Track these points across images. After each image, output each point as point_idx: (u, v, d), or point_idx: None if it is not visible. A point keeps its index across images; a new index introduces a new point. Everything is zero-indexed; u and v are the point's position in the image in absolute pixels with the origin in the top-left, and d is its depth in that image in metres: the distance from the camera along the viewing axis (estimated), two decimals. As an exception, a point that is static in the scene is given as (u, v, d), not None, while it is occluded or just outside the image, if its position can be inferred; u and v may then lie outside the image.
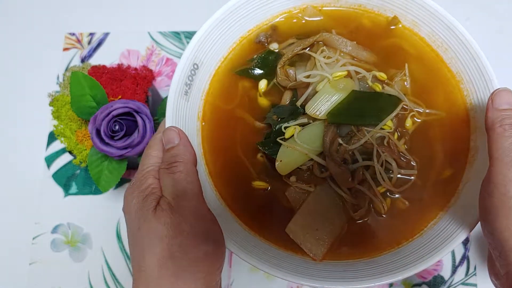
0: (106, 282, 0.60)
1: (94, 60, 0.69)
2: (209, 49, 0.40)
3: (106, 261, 0.61)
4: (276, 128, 0.38)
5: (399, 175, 0.37)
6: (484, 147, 0.36)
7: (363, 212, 0.37)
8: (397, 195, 0.38)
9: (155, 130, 0.48)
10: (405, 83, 0.40)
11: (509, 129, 0.32)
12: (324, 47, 0.40)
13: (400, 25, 0.42)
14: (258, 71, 0.41)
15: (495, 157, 0.32)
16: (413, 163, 0.38)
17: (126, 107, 0.49)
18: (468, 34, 0.38)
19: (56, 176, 0.65)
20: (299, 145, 0.37)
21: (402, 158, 0.37)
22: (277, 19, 0.43)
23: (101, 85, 0.53)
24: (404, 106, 0.39)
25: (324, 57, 0.39)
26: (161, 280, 0.32)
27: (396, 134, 0.38)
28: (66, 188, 0.64)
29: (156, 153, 0.36)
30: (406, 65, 0.40)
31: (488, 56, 0.60)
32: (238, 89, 0.42)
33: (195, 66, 0.39)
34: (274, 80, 0.41)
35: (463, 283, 0.54)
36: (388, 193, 0.38)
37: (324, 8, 0.43)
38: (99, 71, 0.55)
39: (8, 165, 0.67)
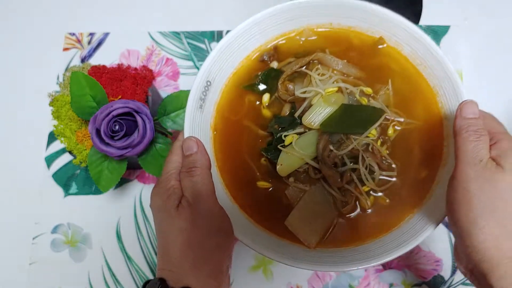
0: (106, 282, 0.61)
1: (94, 60, 0.70)
2: (220, 68, 0.48)
3: (106, 261, 0.62)
4: (277, 136, 0.46)
5: (381, 176, 0.45)
6: (452, 153, 0.43)
7: (350, 208, 0.45)
8: (379, 193, 0.45)
9: (155, 130, 0.52)
10: (389, 95, 0.47)
11: (473, 135, 0.38)
12: (319, 65, 0.48)
13: (386, 45, 0.49)
14: (262, 86, 0.49)
15: (459, 158, 0.38)
16: (393, 166, 0.45)
17: (126, 107, 0.50)
18: (443, 54, 0.45)
19: (56, 176, 0.66)
20: (296, 151, 0.45)
21: (384, 162, 0.45)
22: (278, 40, 0.50)
23: (101, 85, 0.53)
24: (386, 116, 0.46)
25: (318, 74, 0.47)
26: (182, 264, 0.40)
27: (379, 141, 0.46)
28: (66, 188, 0.65)
29: (177, 159, 0.44)
30: (390, 80, 0.47)
31: (486, 55, 0.67)
32: (245, 102, 0.49)
33: (208, 83, 0.47)
34: (276, 94, 0.48)
35: (463, 283, 0.58)
36: (371, 192, 0.45)
37: (319, 30, 0.50)
38: (99, 71, 0.56)
39: (8, 165, 0.68)
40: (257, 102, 0.49)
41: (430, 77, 0.47)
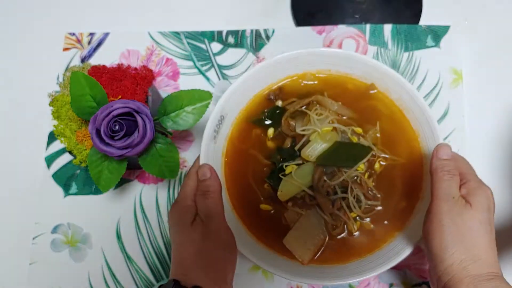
0: (106, 282, 0.62)
1: (94, 60, 0.70)
2: (232, 105, 0.56)
3: (106, 261, 0.63)
4: (279, 166, 0.54)
5: (366, 205, 0.52)
6: (429, 187, 0.51)
7: (339, 231, 0.52)
8: (365, 219, 0.53)
9: (155, 130, 0.53)
10: (377, 135, 0.55)
11: (447, 174, 0.46)
12: (317, 106, 0.56)
13: (376, 90, 0.57)
14: (267, 121, 0.57)
15: (435, 194, 0.45)
16: (378, 196, 0.53)
17: (126, 107, 0.50)
18: (424, 101, 0.53)
19: (56, 176, 0.66)
20: (295, 180, 0.52)
21: (370, 192, 0.53)
22: (283, 82, 0.58)
23: (101, 85, 0.53)
24: (374, 153, 0.54)
25: (316, 114, 0.54)
26: (193, 269, 0.47)
27: (366, 174, 0.53)
28: (66, 188, 0.66)
29: (192, 183, 0.52)
30: (378, 122, 0.55)
31: (486, 55, 0.69)
32: (252, 134, 0.57)
33: (222, 117, 0.55)
34: (279, 129, 0.56)
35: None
36: (358, 218, 0.53)
37: (319, 75, 0.58)
38: (99, 71, 0.56)
39: (8, 165, 0.68)
40: (263, 135, 0.57)
41: (412, 120, 0.55)
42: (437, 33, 0.69)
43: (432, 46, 0.69)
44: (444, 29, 0.69)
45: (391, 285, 0.61)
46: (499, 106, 0.68)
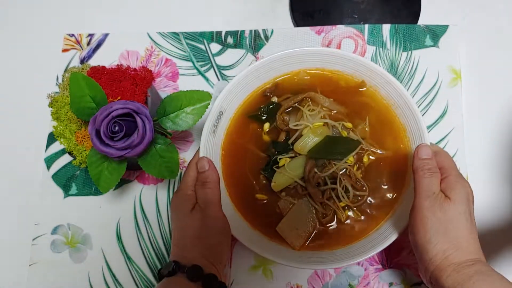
0: (106, 283, 0.67)
1: (93, 61, 0.76)
2: (230, 101, 0.67)
3: (106, 261, 0.68)
4: (273, 159, 0.65)
5: (354, 196, 0.63)
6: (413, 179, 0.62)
7: (329, 219, 0.63)
8: (353, 209, 0.64)
9: (155, 131, 0.58)
10: (366, 129, 0.66)
11: (427, 173, 0.55)
12: (310, 102, 0.67)
13: (366, 88, 0.68)
14: (263, 117, 0.68)
15: (417, 191, 0.55)
16: (365, 187, 0.64)
17: (126, 108, 0.54)
18: (411, 98, 0.63)
19: (56, 177, 0.71)
20: (288, 171, 0.63)
21: (358, 183, 0.64)
22: (279, 79, 0.70)
23: (100, 86, 0.57)
24: (362, 147, 0.65)
25: (309, 110, 0.66)
26: (192, 251, 0.58)
27: (355, 166, 0.64)
28: (66, 189, 0.70)
29: (193, 174, 0.63)
30: (367, 117, 0.66)
31: (485, 55, 0.76)
32: (249, 128, 0.68)
33: (220, 113, 0.66)
34: (274, 124, 0.67)
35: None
36: (346, 207, 0.64)
37: (312, 72, 0.69)
38: (98, 72, 0.60)
39: (8, 166, 0.73)
40: (259, 129, 0.68)
41: (400, 116, 0.66)
42: (436, 32, 0.78)
43: (430, 46, 0.78)
44: (443, 29, 0.78)
45: (390, 284, 0.68)
46: (497, 105, 0.75)
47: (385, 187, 0.64)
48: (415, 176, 0.56)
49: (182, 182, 0.63)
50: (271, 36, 0.79)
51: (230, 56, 0.78)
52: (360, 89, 0.68)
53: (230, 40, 0.79)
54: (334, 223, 0.64)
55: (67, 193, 0.71)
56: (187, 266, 0.56)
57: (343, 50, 0.76)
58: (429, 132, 0.72)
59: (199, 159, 0.63)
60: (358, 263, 0.69)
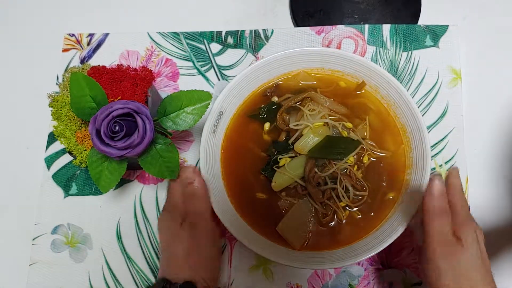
0: (106, 283, 0.68)
1: (94, 61, 0.77)
2: (230, 100, 0.67)
3: (106, 261, 0.68)
4: (273, 158, 0.65)
5: (354, 196, 0.63)
6: (413, 179, 0.62)
7: (329, 219, 0.63)
8: (353, 209, 0.64)
9: (155, 131, 0.57)
10: (366, 129, 0.66)
11: (439, 214, 0.54)
12: (310, 102, 0.67)
13: (366, 88, 0.68)
14: (263, 116, 0.68)
15: (428, 232, 0.54)
16: (365, 187, 0.64)
17: (126, 107, 0.54)
18: (411, 98, 0.64)
19: (56, 177, 0.72)
20: (288, 171, 0.64)
21: (358, 183, 0.64)
22: (279, 79, 0.70)
23: (100, 86, 0.58)
24: (362, 147, 0.65)
25: (309, 109, 0.66)
26: (183, 265, 0.58)
27: (355, 166, 0.64)
28: (66, 188, 0.71)
29: (178, 189, 0.62)
30: (367, 117, 0.66)
31: (485, 55, 0.76)
32: (249, 128, 0.69)
33: (221, 113, 0.67)
34: (275, 124, 0.68)
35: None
36: (347, 207, 0.64)
37: (312, 73, 0.70)
38: (98, 72, 0.61)
39: (8, 166, 0.74)
40: (260, 129, 0.68)
41: (400, 116, 0.66)
42: (436, 32, 0.78)
43: (431, 46, 0.78)
44: (443, 29, 0.78)
45: (390, 284, 0.69)
46: (497, 105, 0.76)
47: (385, 187, 0.64)
48: (426, 216, 0.55)
49: (168, 199, 0.63)
50: (271, 36, 0.80)
51: (230, 56, 0.79)
52: (360, 89, 0.68)
53: (230, 40, 0.79)
54: (334, 223, 0.64)
55: (67, 193, 0.72)
56: (179, 284, 0.55)
57: (343, 50, 0.77)
58: (429, 132, 0.72)
59: (183, 169, 0.62)
60: (358, 263, 0.69)
